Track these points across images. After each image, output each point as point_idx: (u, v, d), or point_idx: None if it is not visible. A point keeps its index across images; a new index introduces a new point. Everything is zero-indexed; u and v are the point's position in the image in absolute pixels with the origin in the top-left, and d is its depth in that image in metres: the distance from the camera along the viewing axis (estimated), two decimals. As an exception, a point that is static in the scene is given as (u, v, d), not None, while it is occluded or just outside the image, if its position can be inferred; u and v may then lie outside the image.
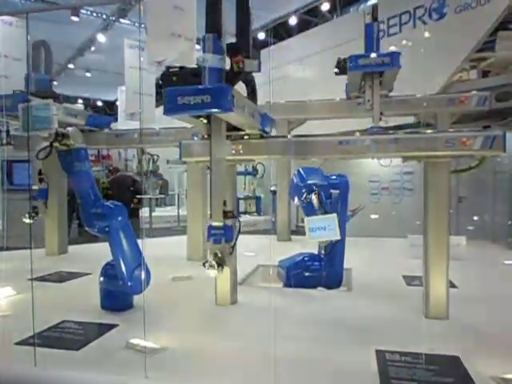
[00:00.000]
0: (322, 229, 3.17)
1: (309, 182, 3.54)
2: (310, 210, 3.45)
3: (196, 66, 2.54)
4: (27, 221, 3.54)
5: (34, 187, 3.28)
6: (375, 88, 3.46)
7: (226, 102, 2.14)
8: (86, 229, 2.95)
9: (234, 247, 2.50)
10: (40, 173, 3.41)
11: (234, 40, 2.75)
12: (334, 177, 3.67)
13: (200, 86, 2.22)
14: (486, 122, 5.94)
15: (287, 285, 3.63)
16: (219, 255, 2.37)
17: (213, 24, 2.46)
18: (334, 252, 3.56)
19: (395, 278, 3.82)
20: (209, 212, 2.48)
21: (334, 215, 3.22)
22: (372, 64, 3.20)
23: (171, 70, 2.55)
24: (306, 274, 3.61)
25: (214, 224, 2.40)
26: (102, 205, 2.91)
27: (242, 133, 2.93)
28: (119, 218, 2.89)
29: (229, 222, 2.43)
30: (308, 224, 3.22)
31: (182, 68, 2.56)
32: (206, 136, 2.61)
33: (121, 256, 2.84)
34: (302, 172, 3.70)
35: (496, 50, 6.62)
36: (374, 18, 3.50)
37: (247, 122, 2.65)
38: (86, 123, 4.59)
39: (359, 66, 3.25)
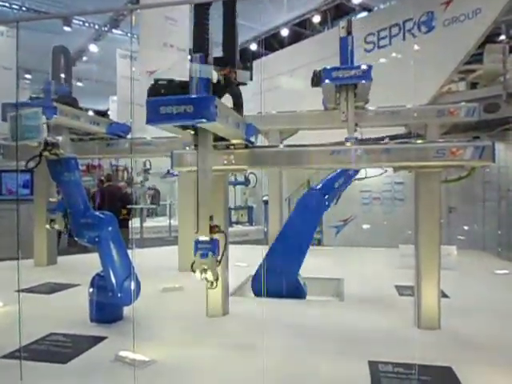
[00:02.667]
0: None
1: None
2: None
3: (185, 79, 2.54)
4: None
5: (52, 199, 3.12)
6: (350, 100, 3.63)
7: (209, 112, 2.12)
8: (76, 239, 2.92)
9: (219, 261, 2.41)
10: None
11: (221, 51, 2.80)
12: None
13: (182, 96, 2.20)
14: (475, 133, 6.02)
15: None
16: (207, 270, 2.32)
17: (200, 44, 2.52)
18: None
19: (387, 287, 3.82)
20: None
21: None
22: (345, 77, 3.40)
23: (160, 82, 2.55)
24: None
25: (201, 238, 2.36)
26: (92, 215, 2.87)
27: (227, 143, 2.91)
28: (109, 228, 2.86)
29: (215, 236, 2.39)
30: None
31: (170, 81, 2.56)
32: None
33: (110, 267, 2.80)
34: None
35: (484, 63, 6.75)
36: (348, 32, 3.65)
37: (232, 132, 2.64)
38: (107, 131, 4.53)
39: (332, 78, 3.43)
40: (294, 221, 3.73)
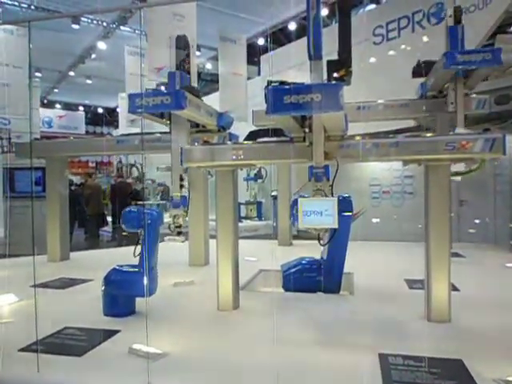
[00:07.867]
0: (318, 213, 2.49)
1: None
2: None
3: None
4: (178, 238, 3.44)
5: (175, 194, 3.15)
6: (459, 90, 3.44)
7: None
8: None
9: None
10: (181, 178, 3.28)
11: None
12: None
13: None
14: (486, 125, 5.95)
15: (286, 288, 3.62)
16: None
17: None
18: (334, 257, 3.55)
19: (397, 281, 3.82)
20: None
21: (335, 199, 2.53)
22: (473, 61, 3.14)
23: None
24: (304, 277, 3.59)
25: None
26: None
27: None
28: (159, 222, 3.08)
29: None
30: (301, 206, 2.52)
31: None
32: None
33: (152, 253, 2.96)
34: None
35: (495, 54, 6.65)
36: (458, 21, 3.50)
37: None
38: (218, 123, 4.17)
39: (458, 62, 3.15)
40: None
